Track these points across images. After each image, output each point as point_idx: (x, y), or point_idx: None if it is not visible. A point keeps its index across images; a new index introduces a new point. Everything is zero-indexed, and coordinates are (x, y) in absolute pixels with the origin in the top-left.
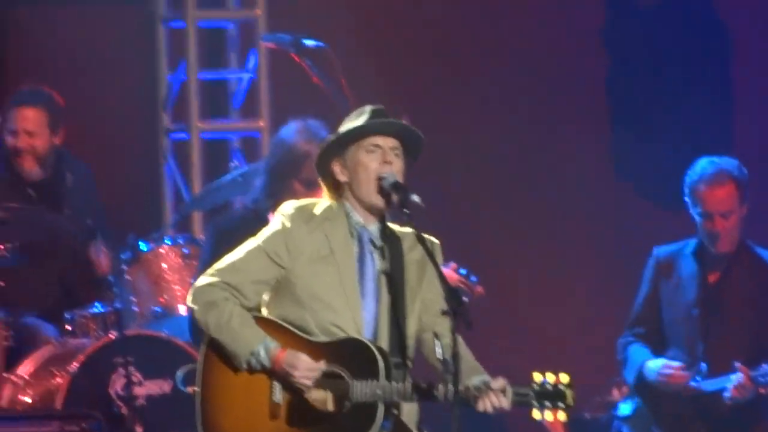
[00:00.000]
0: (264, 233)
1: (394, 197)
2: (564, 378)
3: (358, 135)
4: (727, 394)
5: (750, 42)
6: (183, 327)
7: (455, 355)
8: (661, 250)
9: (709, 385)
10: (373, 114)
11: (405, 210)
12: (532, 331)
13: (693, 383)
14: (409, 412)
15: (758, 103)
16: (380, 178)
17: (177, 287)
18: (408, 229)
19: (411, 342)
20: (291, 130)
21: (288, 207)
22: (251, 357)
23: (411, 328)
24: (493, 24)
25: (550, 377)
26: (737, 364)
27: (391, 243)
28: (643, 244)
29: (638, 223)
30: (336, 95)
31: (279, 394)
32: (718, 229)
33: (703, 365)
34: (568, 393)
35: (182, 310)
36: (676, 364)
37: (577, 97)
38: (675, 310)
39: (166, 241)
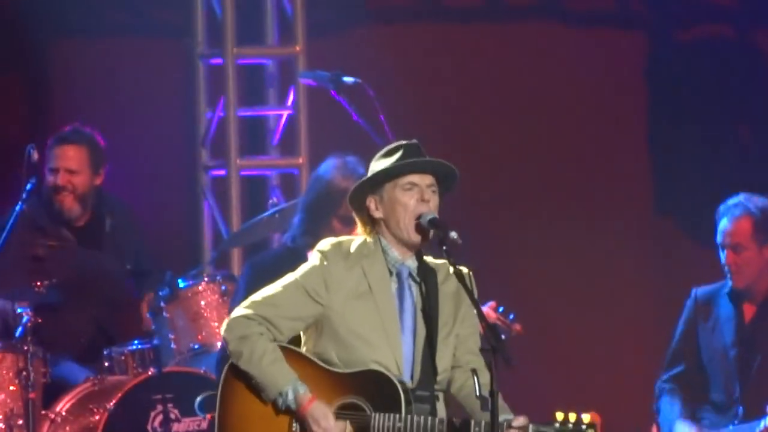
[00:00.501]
0: (302, 269)
1: (432, 234)
2: (587, 418)
3: (395, 174)
4: None
5: None
6: None
7: (493, 393)
8: (700, 291)
9: (741, 430)
10: (408, 150)
11: (444, 247)
12: (568, 368)
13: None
14: None
15: None
16: (419, 216)
17: (215, 324)
18: (441, 261)
19: (443, 377)
20: (329, 166)
21: (325, 244)
22: (279, 397)
23: (444, 361)
24: (532, 60)
25: (572, 417)
26: None
27: (426, 276)
28: (682, 282)
29: (679, 261)
30: (375, 132)
31: (299, 429)
32: (728, 262)
33: (740, 408)
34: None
35: (219, 345)
36: None
37: (618, 137)
38: (713, 352)
39: (204, 278)
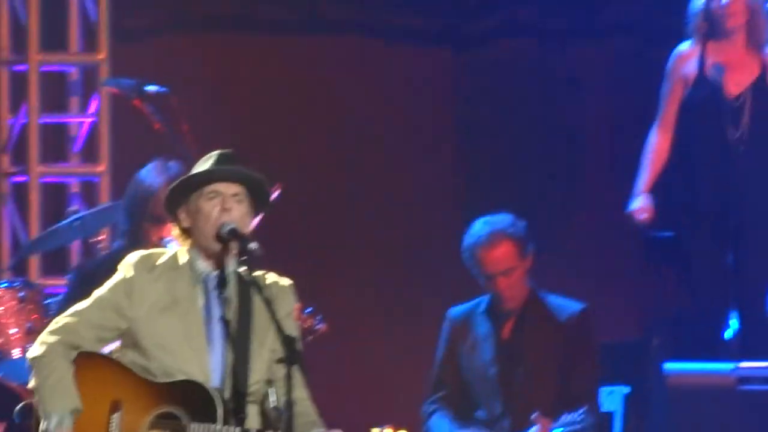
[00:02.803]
0: (109, 282)
1: (233, 244)
2: None
3: (199, 182)
4: None
5: None
6: (17, 370)
7: (288, 403)
8: (454, 312)
9: None
10: (219, 159)
11: (243, 257)
12: (380, 375)
13: None
14: None
15: None
16: (220, 225)
17: (12, 331)
18: (261, 272)
19: (255, 388)
20: (144, 169)
21: (132, 257)
22: (44, 418)
23: (257, 373)
24: (342, 73)
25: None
26: (533, 416)
27: (241, 288)
28: None
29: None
30: (177, 141)
31: (117, 429)
32: (502, 288)
33: (506, 422)
34: None
35: (17, 353)
36: None
37: (427, 152)
38: (474, 371)
39: (2, 284)
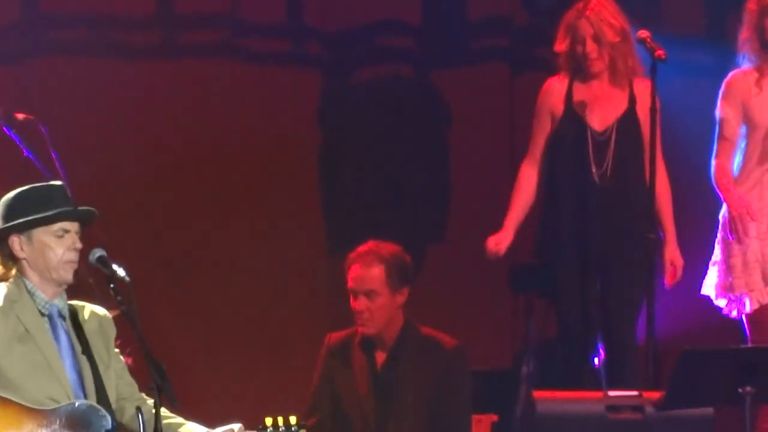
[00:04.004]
0: None
1: (104, 271)
2: (293, 419)
3: (49, 221)
4: None
5: None
6: None
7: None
8: (332, 338)
9: None
10: (60, 197)
11: (111, 285)
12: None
13: None
14: None
15: None
16: (92, 255)
17: None
18: (77, 301)
19: (114, 408)
20: None
21: None
22: None
23: (112, 394)
24: (205, 97)
25: (281, 420)
26: None
27: (72, 315)
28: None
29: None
30: (46, 168)
31: None
32: (361, 309)
33: None
34: None
35: None
36: None
37: (292, 176)
38: (350, 402)
39: None
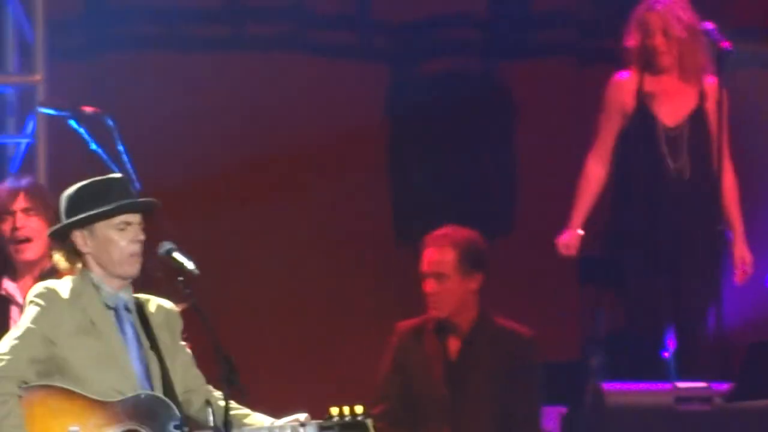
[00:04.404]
0: (26, 317)
1: (173, 264)
2: (359, 409)
3: (110, 214)
4: None
5: None
6: None
7: (227, 424)
8: (404, 326)
9: None
10: (122, 189)
11: (180, 277)
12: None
13: None
14: None
15: None
16: (161, 248)
17: None
18: (146, 296)
19: (180, 400)
20: None
21: (39, 288)
22: None
23: (179, 386)
24: (276, 90)
25: (347, 410)
26: None
27: (138, 308)
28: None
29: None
30: (114, 162)
31: None
32: (430, 291)
33: None
34: (369, 422)
35: None
36: None
37: (360, 169)
38: (423, 390)
39: None
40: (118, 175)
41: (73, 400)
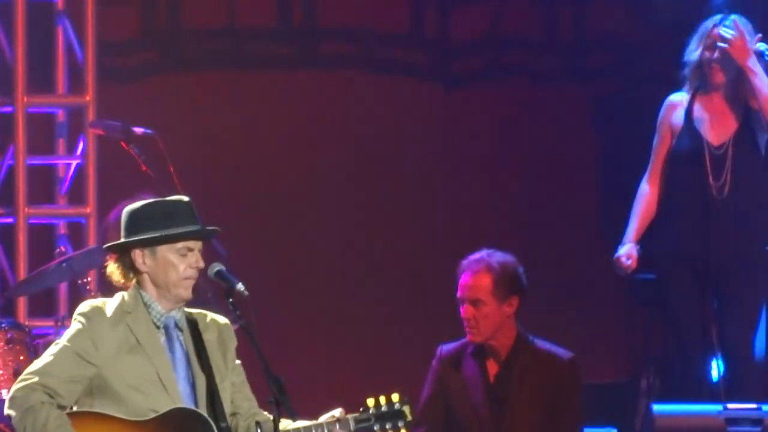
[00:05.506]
0: (67, 334)
1: (223, 285)
2: (395, 397)
3: (175, 239)
4: None
5: None
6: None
7: None
8: (445, 349)
9: None
10: (187, 214)
11: (230, 299)
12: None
13: None
14: None
15: None
16: (211, 269)
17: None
18: (196, 311)
19: (229, 421)
20: None
21: (83, 306)
22: None
23: (227, 407)
24: (338, 108)
25: (383, 399)
26: None
27: (190, 326)
28: None
29: None
30: (164, 183)
31: None
32: (467, 317)
33: None
34: (406, 409)
35: (4, 394)
36: None
37: (419, 181)
38: (463, 412)
39: None
40: (185, 198)
41: (108, 423)
